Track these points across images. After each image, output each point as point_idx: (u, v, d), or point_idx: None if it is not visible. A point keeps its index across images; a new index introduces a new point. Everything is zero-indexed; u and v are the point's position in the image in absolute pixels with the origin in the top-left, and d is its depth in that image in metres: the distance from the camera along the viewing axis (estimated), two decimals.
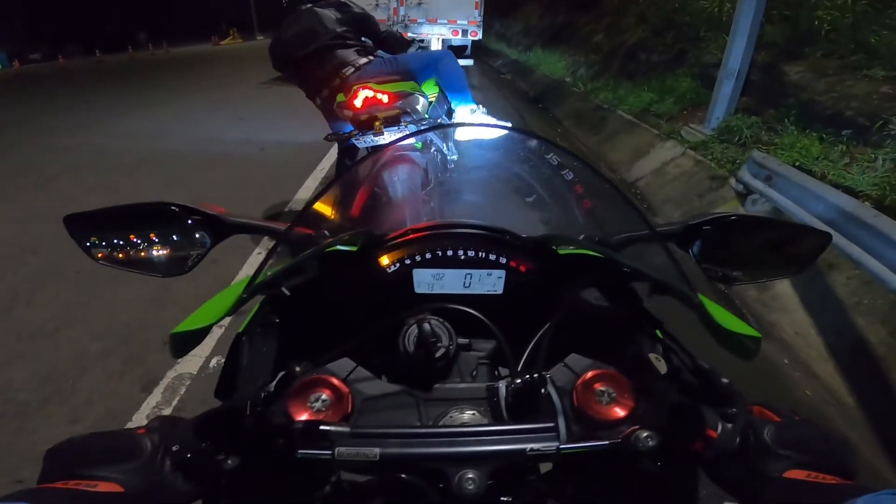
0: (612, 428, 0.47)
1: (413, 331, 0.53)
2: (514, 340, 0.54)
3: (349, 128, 2.58)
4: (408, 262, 0.61)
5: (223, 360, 1.93)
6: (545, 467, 0.55)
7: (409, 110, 2.32)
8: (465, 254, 0.61)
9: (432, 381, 0.55)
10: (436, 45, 9.90)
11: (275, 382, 0.50)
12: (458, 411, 0.52)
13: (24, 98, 9.23)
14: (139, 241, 0.63)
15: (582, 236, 0.66)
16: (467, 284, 0.62)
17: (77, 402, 1.97)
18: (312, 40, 2.55)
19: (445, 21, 10.63)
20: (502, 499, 0.49)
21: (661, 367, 0.52)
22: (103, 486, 0.38)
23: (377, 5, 9.71)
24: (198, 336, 0.49)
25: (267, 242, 3.16)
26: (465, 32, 10.86)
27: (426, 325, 0.52)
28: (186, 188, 4.38)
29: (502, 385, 0.52)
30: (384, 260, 0.61)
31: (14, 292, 2.73)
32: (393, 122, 2.32)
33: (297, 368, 0.51)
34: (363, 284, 0.62)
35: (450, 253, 0.61)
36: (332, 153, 4.57)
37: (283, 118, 6.78)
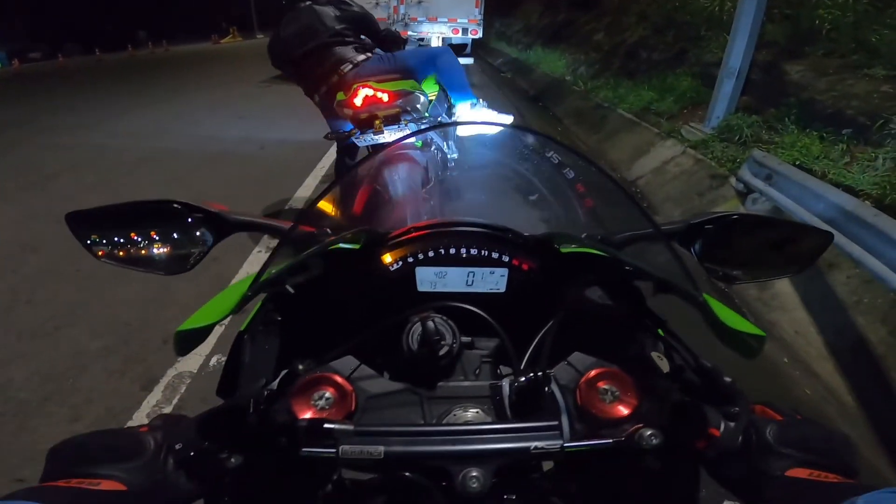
0: (615, 426, 0.47)
1: (417, 329, 0.53)
2: (516, 339, 0.54)
3: (349, 126, 2.58)
4: (410, 260, 0.61)
5: (223, 359, 1.92)
6: (547, 465, 0.55)
7: (409, 109, 2.32)
8: (468, 252, 0.61)
9: (435, 379, 0.55)
10: (436, 44, 9.90)
11: (278, 381, 0.50)
12: (462, 409, 0.52)
13: (23, 97, 9.23)
14: (141, 239, 0.63)
15: (584, 235, 0.66)
16: (470, 283, 0.62)
17: (77, 401, 1.97)
18: (311, 38, 2.55)
19: (446, 19, 10.62)
20: (506, 497, 0.49)
21: (664, 365, 0.52)
22: (106, 485, 0.38)
23: (377, 4, 9.69)
24: (202, 334, 0.49)
25: (267, 241, 3.16)
26: (465, 31, 10.85)
27: (430, 324, 0.52)
28: (186, 186, 4.38)
29: (506, 383, 0.52)
30: (387, 258, 0.61)
31: (14, 291, 2.73)
32: (393, 120, 2.32)
33: (300, 366, 0.51)
34: (366, 282, 0.62)
35: (452, 251, 0.61)
36: (333, 152, 4.57)
37: (283, 117, 6.78)
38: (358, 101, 2.26)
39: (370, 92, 2.24)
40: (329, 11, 2.59)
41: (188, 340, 0.49)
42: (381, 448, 0.42)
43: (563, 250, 0.62)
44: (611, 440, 0.44)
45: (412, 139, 2.41)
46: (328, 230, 0.64)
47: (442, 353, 0.53)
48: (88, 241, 0.62)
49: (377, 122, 2.30)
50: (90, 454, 0.40)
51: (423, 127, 2.30)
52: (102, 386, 2.06)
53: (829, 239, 0.65)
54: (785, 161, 3.16)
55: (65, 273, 2.87)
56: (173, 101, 8.52)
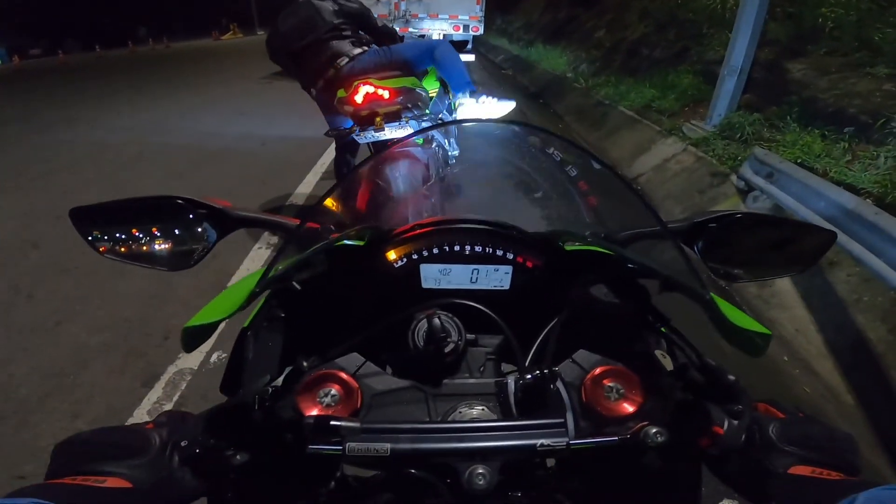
0: (620, 424, 0.48)
1: (423, 326, 0.53)
2: (520, 336, 0.54)
3: (349, 123, 2.58)
4: (415, 257, 0.61)
5: (224, 355, 1.92)
6: (550, 462, 0.55)
7: (409, 106, 2.31)
8: (472, 249, 0.61)
9: (441, 376, 0.55)
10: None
11: (282, 377, 0.50)
12: (467, 407, 0.52)
13: (24, 93, 9.21)
14: (144, 235, 0.63)
15: (588, 232, 0.66)
16: (474, 280, 0.62)
17: (78, 398, 1.97)
18: (309, 32, 2.56)
19: (446, 16, 10.62)
20: (510, 494, 0.50)
21: (668, 363, 0.52)
22: (111, 482, 0.38)
23: (378, 0, 9.67)
24: (208, 330, 0.49)
25: (268, 237, 3.16)
26: (466, 27, 10.84)
27: (436, 321, 0.52)
28: (187, 182, 4.38)
29: (511, 381, 0.52)
30: (391, 255, 0.61)
31: (15, 287, 2.74)
32: (394, 117, 2.32)
33: (305, 363, 0.51)
34: (370, 279, 0.62)
35: (457, 248, 0.61)
36: (333, 149, 4.58)
37: (284, 113, 6.77)
38: (359, 99, 2.26)
39: (371, 89, 2.24)
40: (327, 6, 2.59)
41: (195, 337, 0.49)
42: (388, 445, 0.42)
43: (568, 248, 0.62)
44: (616, 438, 0.44)
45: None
46: (331, 227, 0.64)
47: (447, 350, 0.53)
48: (92, 237, 0.62)
49: (378, 119, 2.30)
50: (95, 451, 0.40)
51: (423, 123, 2.30)
52: (103, 382, 2.06)
53: (833, 238, 0.65)
54: (786, 159, 3.16)
55: (65, 269, 2.87)
56: (174, 97, 8.51)
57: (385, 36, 2.82)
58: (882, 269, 2.13)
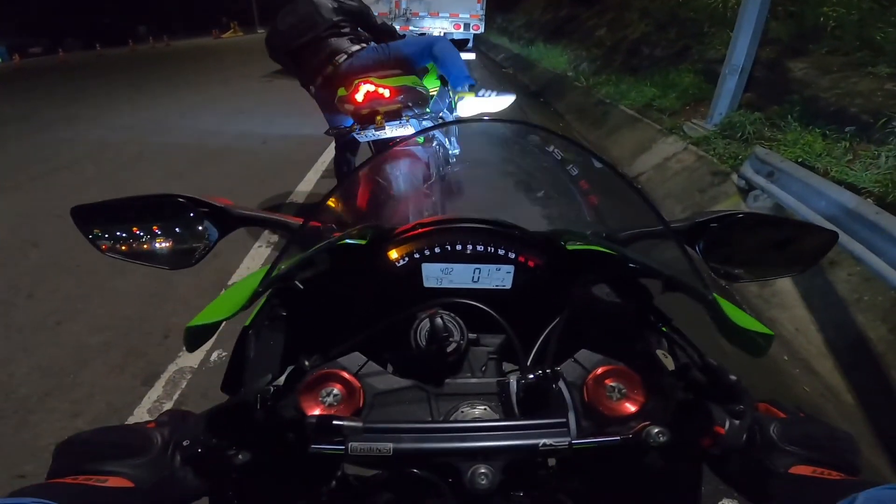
0: (622, 423, 0.48)
1: (425, 325, 0.53)
2: (522, 335, 0.54)
3: (349, 121, 2.59)
4: (417, 256, 0.61)
5: (224, 354, 1.93)
6: (551, 462, 0.55)
7: (410, 104, 2.31)
8: (474, 248, 0.61)
9: (443, 375, 0.55)
10: None
11: (284, 377, 0.50)
12: (469, 406, 0.52)
13: (24, 92, 9.19)
14: (145, 233, 0.63)
15: (590, 231, 0.66)
16: (476, 279, 0.62)
17: (78, 397, 1.97)
18: (309, 29, 2.56)
19: (447, 14, 10.60)
20: (512, 493, 0.50)
21: (669, 363, 0.52)
22: (113, 481, 0.38)
23: None
24: (211, 330, 0.49)
25: (268, 235, 3.16)
26: (466, 26, 10.83)
27: (438, 320, 0.52)
28: (187, 181, 4.38)
29: (513, 380, 0.52)
30: (393, 254, 0.61)
31: (15, 285, 2.73)
32: (394, 116, 2.32)
33: (306, 362, 0.51)
34: (372, 278, 0.62)
35: (459, 247, 0.61)
36: (334, 147, 4.58)
37: (285, 112, 6.76)
38: (359, 97, 2.26)
39: (371, 88, 2.24)
40: (327, 4, 2.60)
41: (197, 336, 0.49)
42: (391, 445, 0.42)
43: (570, 247, 0.62)
44: (618, 437, 0.45)
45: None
46: (333, 226, 0.64)
47: (450, 349, 0.53)
48: (94, 236, 0.62)
49: (378, 117, 2.30)
50: (97, 451, 0.40)
51: (424, 122, 2.30)
52: (103, 381, 2.06)
53: (834, 238, 0.65)
54: (787, 158, 3.16)
55: (65, 267, 2.87)
56: (174, 95, 8.50)
57: (384, 33, 2.82)
58: (883, 268, 2.13)
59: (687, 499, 0.52)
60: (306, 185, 4.26)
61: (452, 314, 0.55)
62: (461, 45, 10.51)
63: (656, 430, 0.43)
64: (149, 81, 10.17)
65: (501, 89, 2.59)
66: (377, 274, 0.61)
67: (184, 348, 2.21)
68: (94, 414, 1.89)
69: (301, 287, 0.56)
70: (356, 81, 2.27)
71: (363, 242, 0.61)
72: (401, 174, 1.68)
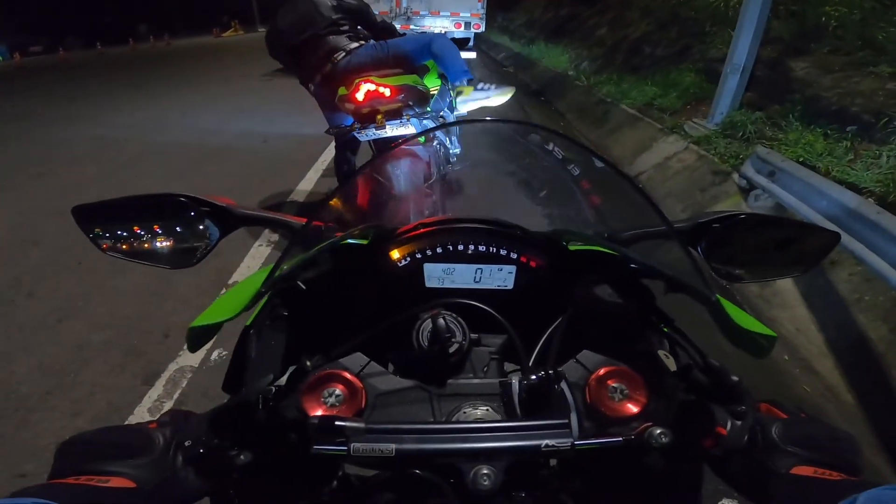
0: (624, 424, 0.48)
1: (427, 326, 0.53)
2: (524, 336, 0.54)
3: (349, 120, 2.58)
4: (418, 256, 0.61)
5: (225, 353, 1.92)
6: (552, 462, 0.55)
7: (411, 103, 2.31)
8: (476, 248, 0.61)
9: (445, 376, 0.55)
10: None
11: (286, 377, 0.50)
12: (471, 407, 0.52)
13: (24, 91, 9.19)
14: (147, 233, 0.63)
15: (592, 231, 0.65)
16: (477, 279, 0.62)
17: (79, 395, 1.97)
18: (308, 27, 2.56)
19: (448, 13, 10.59)
20: (513, 494, 0.50)
21: (671, 364, 0.52)
22: (115, 482, 0.38)
23: None
24: (213, 330, 0.49)
25: (268, 235, 3.16)
26: (467, 25, 10.82)
27: (440, 321, 0.52)
28: (188, 180, 4.38)
29: (515, 381, 0.52)
30: (395, 254, 0.61)
31: (16, 284, 2.74)
32: (395, 115, 2.32)
33: (308, 363, 0.51)
34: (374, 278, 0.62)
35: (460, 247, 0.61)
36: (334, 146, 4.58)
37: (285, 110, 6.75)
38: (360, 96, 2.26)
39: (372, 87, 2.24)
40: (326, 1, 2.60)
41: (200, 337, 0.50)
42: (393, 446, 0.42)
43: (572, 248, 0.61)
44: (621, 438, 0.45)
45: (414, 133, 2.40)
46: (335, 225, 0.64)
47: (452, 350, 0.53)
48: (95, 235, 0.62)
49: (379, 116, 2.30)
50: (99, 451, 0.40)
51: (425, 121, 2.30)
52: (104, 380, 2.06)
53: (836, 239, 0.65)
54: (788, 158, 3.15)
55: (66, 266, 2.87)
56: (175, 94, 8.50)
57: (384, 32, 2.82)
58: (884, 268, 2.13)
59: (687, 499, 0.52)
60: (307, 184, 4.26)
61: (454, 315, 0.55)
62: (462, 43, 10.50)
63: (658, 432, 0.43)
64: (149, 80, 10.16)
65: (500, 84, 2.59)
66: (379, 274, 0.61)
67: (184, 347, 2.21)
68: (94, 413, 1.89)
69: (303, 287, 0.56)
70: (357, 81, 2.27)
71: (365, 242, 0.61)
72: (402, 173, 1.68)
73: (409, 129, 2.34)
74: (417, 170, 1.92)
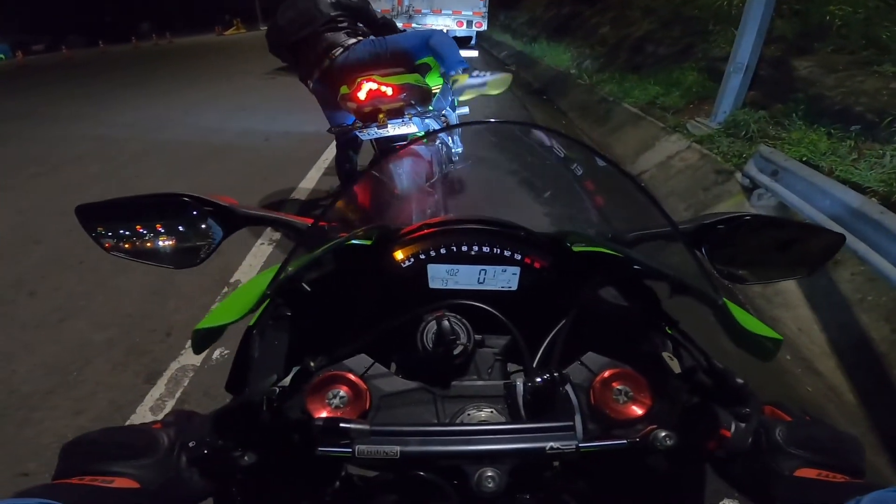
0: (629, 427, 0.48)
1: (432, 327, 0.53)
2: (528, 337, 0.54)
3: (350, 118, 2.58)
4: (422, 257, 0.61)
5: (227, 352, 1.92)
6: (555, 463, 0.55)
7: (413, 102, 2.31)
8: (480, 249, 0.61)
9: (449, 378, 0.55)
10: None
11: (290, 377, 0.50)
12: (476, 409, 0.52)
13: (27, 89, 9.21)
14: (151, 232, 0.63)
15: (596, 233, 0.65)
16: (481, 280, 0.62)
17: (81, 394, 1.98)
18: (307, 24, 2.57)
19: (450, 12, 10.59)
20: (517, 496, 0.50)
21: (675, 366, 0.52)
22: (119, 482, 0.38)
23: None
24: (218, 332, 0.49)
25: (270, 233, 3.16)
26: (469, 23, 10.82)
27: (445, 323, 0.52)
28: (190, 179, 4.37)
29: (519, 383, 0.52)
30: (399, 255, 0.61)
31: (18, 282, 2.74)
32: (396, 114, 2.32)
33: (312, 364, 0.51)
34: (378, 279, 0.61)
35: (464, 248, 0.61)
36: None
37: (287, 109, 6.76)
38: (362, 95, 2.25)
39: (374, 86, 2.24)
40: None
41: (205, 338, 0.50)
42: (398, 448, 0.42)
43: (576, 249, 0.61)
44: (625, 441, 0.45)
45: (416, 133, 2.40)
46: (338, 226, 0.64)
47: (457, 352, 0.53)
48: (98, 234, 0.62)
49: (381, 115, 2.29)
50: (103, 451, 0.40)
51: (427, 120, 2.30)
52: (106, 379, 2.07)
53: (841, 241, 0.65)
54: (792, 157, 3.14)
55: (68, 265, 2.88)
56: (177, 92, 8.50)
57: (384, 28, 2.81)
58: (886, 268, 2.12)
59: (690, 500, 0.52)
60: (308, 182, 4.26)
61: (459, 316, 0.55)
62: (464, 42, 10.49)
63: (663, 434, 0.43)
64: (152, 78, 10.17)
65: (504, 98, 2.58)
66: (383, 275, 0.61)
67: (186, 346, 2.22)
68: (96, 412, 1.89)
69: (307, 288, 0.56)
70: (359, 79, 2.27)
71: (369, 243, 0.61)
72: (404, 173, 1.68)
73: (411, 128, 2.34)
74: (420, 169, 1.91)
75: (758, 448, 0.43)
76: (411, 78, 2.38)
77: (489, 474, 0.41)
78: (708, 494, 0.51)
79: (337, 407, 0.49)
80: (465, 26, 10.80)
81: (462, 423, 0.51)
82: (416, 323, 0.54)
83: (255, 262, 2.91)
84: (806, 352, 2.30)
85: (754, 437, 0.43)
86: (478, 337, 0.56)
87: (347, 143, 3.04)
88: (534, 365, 0.55)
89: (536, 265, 0.62)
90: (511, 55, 12.99)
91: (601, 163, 0.59)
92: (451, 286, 0.62)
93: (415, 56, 2.55)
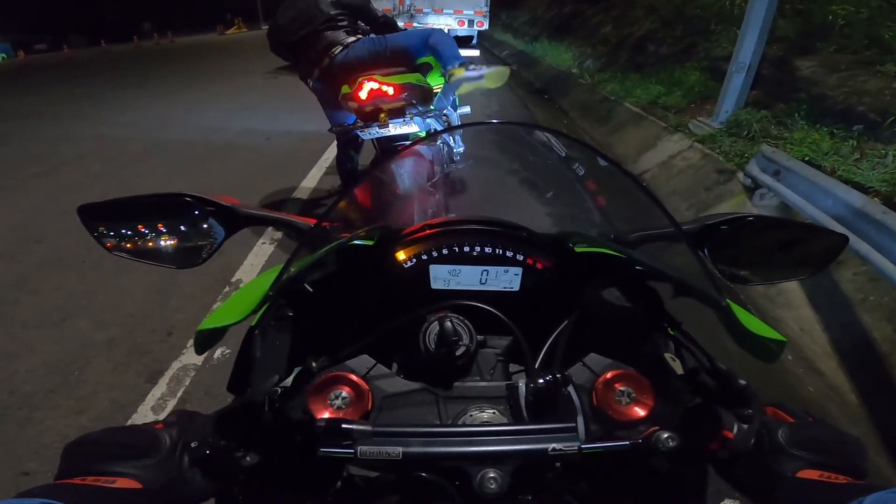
0: (631, 428, 0.48)
1: (434, 328, 0.53)
2: (530, 338, 0.54)
3: (350, 117, 2.58)
4: (424, 257, 0.61)
5: (228, 352, 1.92)
6: (557, 464, 0.55)
7: (414, 102, 2.31)
8: (482, 250, 0.61)
9: (451, 378, 0.55)
10: None
11: (291, 378, 0.50)
12: (478, 410, 0.52)
13: (29, 88, 9.22)
14: (152, 232, 0.63)
15: (598, 233, 0.65)
16: (483, 281, 0.62)
17: (82, 394, 1.98)
18: (307, 23, 2.57)
19: (451, 11, 10.58)
20: (519, 497, 0.50)
21: (677, 367, 0.52)
22: (121, 483, 0.38)
23: None
24: (220, 333, 0.49)
25: (271, 233, 3.16)
26: (471, 23, 10.81)
27: (448, 324, 0.52)
28: (192, 178, 4.38)
29: (522, 384, 0.52)
30: (401, 255, 0.61)
31: (19, 282, 2.75)
32: (398, 113, 2.32)
33: (314, 364, 0.51)
34: (380, 280, 0.61)
35: (466, 249, 0.61)
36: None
37: (288, 108, 6.76)
38: (363, 95, 2.26)
39: (375, 85, 2.24)
40: None
41: (207, 339, 0.50)
42: (400, 449, 0.42)
43: (578, 249, 0.61)
44: (628, 442, 0.45)
45: (418, 132, 2.40)
46: (339, 226, 0.63)
47: (459, 353, 0.53)
48: (100, 234, 0.62)
49: (382, 115, 2.29)
50: (105, 451, 0.40)
51: (428, 119, 2.29)
52: (107, 378, 2.07)
53: (844, 242, 0.65)
54: (794, 157, 3.13)
55: (69, 264, 2.88)
56: (179, 92, 8.51)
57: (385, 27, 2.82)
58: (889, 268, 2.12)
59: (692, 501, 0.51)
60: (310, 181, 4.26)
61: (461, 317, 0.54)
62: (465, 41, 10.48)
63: (666, 436, 0.43)
64: (153, 78, 10.18)
65: (505, 87, 2.58)
66: (385, 275, 0.61)
67: (187, 345, 2.22)
68: (98, 411, 1.90)
69: (311, 290, 0.56)
70: (360, 79, 2.27)
71: (371, 243, 0.61)
72: (407, 173, 1.68)
73: (412, 128, 2.34)
74: (422, 169, 1.91)
75: (760, 449, 0.43)
76: (413, 77, 2.38)
77: (491, 475, 0.41)
78: (710, 495, 0.51)
79: (339, 408, 0.49)
80: (466, 25, 10.79)
81: (464, 424, 0.51)
82: (418, 323, 0.54)
83: (257, 262, 2.91)
84: (808, 352, 2.30)
85: (757, 438, 0.43)
86: (480, 338, 0.56)
87: (348, 143, 3.04)
88: (536, 366, 0.55)
89: (539, 266, 0.61)
90: (512, 54, 12.98)
91: (603, 163, 0.59)
92: (453, 287, 0.62)
93: (415, 54, 2.56)
